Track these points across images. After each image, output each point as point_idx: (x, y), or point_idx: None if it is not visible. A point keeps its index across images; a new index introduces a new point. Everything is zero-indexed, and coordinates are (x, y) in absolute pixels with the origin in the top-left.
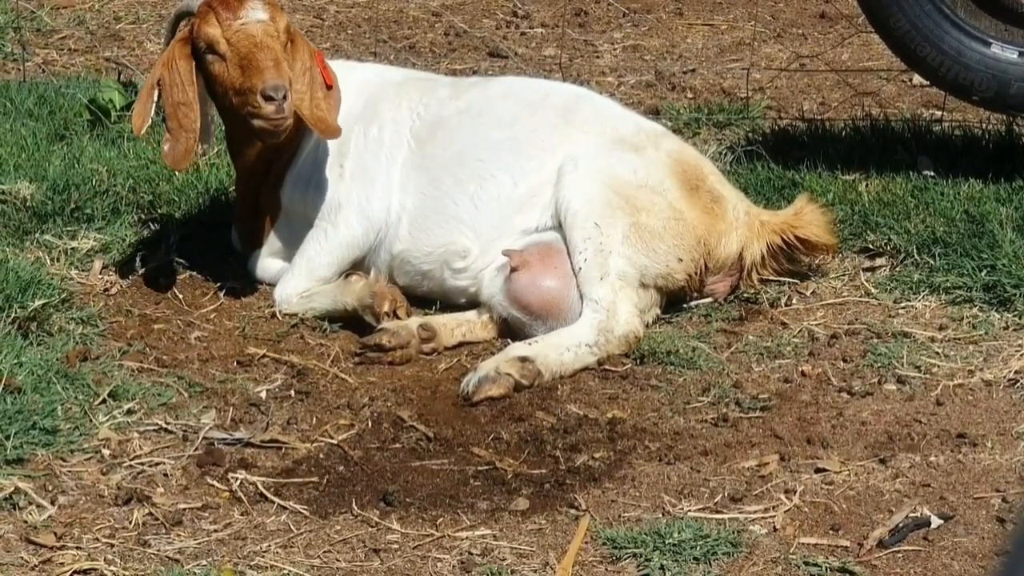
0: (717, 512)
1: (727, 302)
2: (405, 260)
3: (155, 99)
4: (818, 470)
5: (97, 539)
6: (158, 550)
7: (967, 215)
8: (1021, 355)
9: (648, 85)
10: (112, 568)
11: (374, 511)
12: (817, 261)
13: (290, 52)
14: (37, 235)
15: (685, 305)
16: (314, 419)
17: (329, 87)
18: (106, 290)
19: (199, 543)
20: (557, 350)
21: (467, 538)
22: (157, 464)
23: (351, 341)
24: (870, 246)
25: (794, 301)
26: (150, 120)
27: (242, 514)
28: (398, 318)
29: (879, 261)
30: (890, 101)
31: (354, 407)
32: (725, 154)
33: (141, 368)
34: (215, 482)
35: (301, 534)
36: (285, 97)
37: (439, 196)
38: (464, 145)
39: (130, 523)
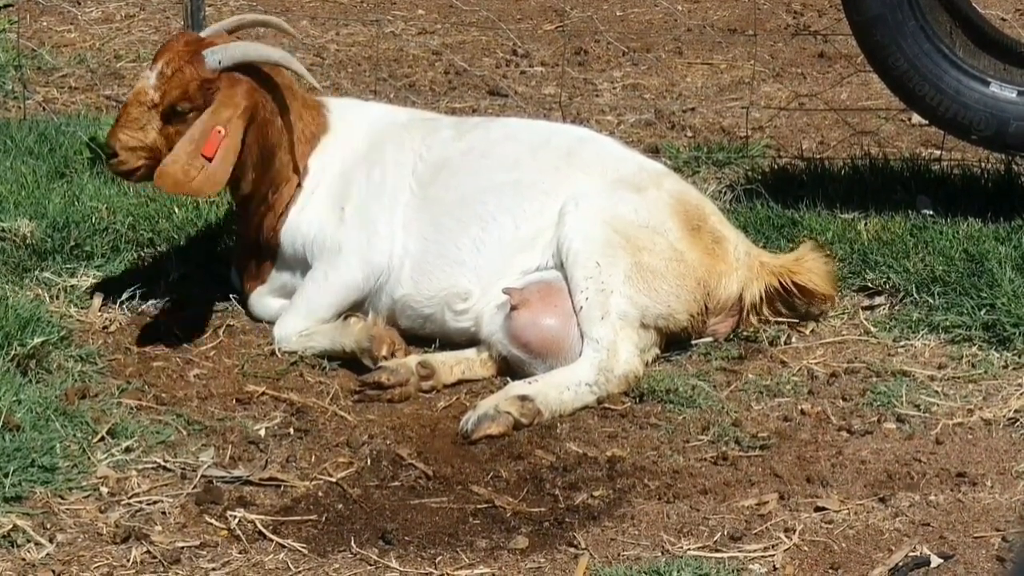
0: (716, 551)
1: (727, 341)
2: (407, 304)
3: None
4: (817, 509)
5: None
6: None
7: (966, 254)
8: (1021, 394)
9: (648, 124)
10: None
11: (373, 549)
12: (814, 309)
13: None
14: (36, 273)
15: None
16: (313, 457)
17: (209, 159)
18: (105, 328)
19: None
20: (557, 389)
21: None
22: (155, 502)
23: (350, 379)
24: (869, 285)
25: (793, 340)
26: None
27: (240, 552)
28: None
29: (878, 300)
30: (889, 140)
31: (353, 445)
32: (724, 193)
33: (140, 406)
34: (213, 520)
35: (300, 572)
36: (113, 155)
37: (441, 240)
38: (466, 187)
39: (128, 561)
